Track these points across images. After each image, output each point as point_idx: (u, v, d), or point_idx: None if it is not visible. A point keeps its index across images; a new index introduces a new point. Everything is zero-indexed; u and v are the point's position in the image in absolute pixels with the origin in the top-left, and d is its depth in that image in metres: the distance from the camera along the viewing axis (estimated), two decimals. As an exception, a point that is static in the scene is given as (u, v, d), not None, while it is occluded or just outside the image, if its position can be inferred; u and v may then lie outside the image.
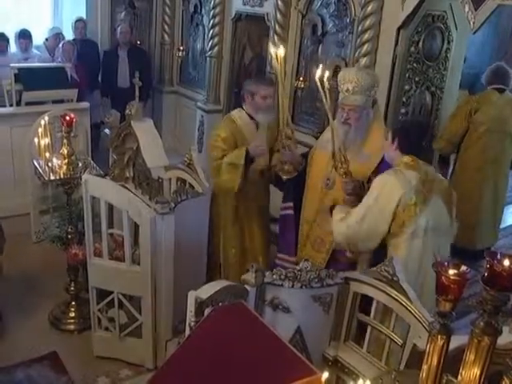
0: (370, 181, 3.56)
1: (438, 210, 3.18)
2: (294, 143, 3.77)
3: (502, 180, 5.68)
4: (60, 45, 7.02)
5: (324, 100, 3.34)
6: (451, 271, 1.55)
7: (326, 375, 1.75)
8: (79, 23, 7.49)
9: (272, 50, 3.66)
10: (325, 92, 3.34)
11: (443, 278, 1.54)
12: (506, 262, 1.49)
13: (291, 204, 3.97)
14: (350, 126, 3.57)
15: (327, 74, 3.36)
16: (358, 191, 3.53)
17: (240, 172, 3.91)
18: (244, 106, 4.18)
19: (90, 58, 7.42)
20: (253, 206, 4.33)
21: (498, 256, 1.51)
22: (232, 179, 3.94)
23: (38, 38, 7.48)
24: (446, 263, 1.57)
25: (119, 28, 7.56)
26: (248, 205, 4.30)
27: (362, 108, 3.54)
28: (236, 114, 4.23)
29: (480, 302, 1.53)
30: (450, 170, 5.71)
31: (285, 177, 3.81)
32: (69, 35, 7.60)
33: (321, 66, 3.49)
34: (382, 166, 3.52)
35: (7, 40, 6.88)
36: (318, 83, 3.33)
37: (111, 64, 7.48)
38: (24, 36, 7.02)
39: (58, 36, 7.36)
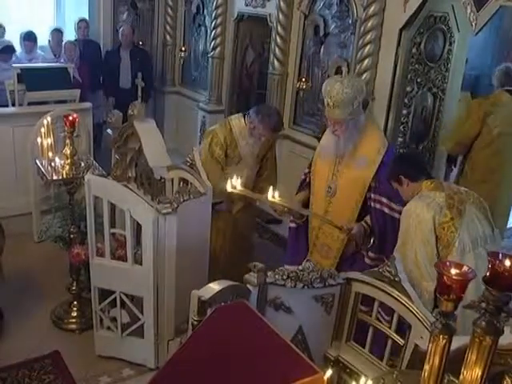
0: (370, 189, 3.58)
1: (477, 219, 3.08)
2: (285, 210, 3.79)
3: None
4: (63, 44, 7.03)
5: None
6: (453, 271, 1.55)
7: (328, 374, 1.76)
8: (82, 23, 7.52)
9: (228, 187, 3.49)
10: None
11: (445, 277, 1.55)
12: (508, 263, 1.50)
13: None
14: (338, 137, 3.56)
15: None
16: (364, 234, 3.62)
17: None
18: (247, 119, 4.28)
19: (93, 58, 7.43)
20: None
21: (500, 256, 1.52)
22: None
23: (41, 38, 7.47)
24: (448, 263, 1.58)
25: (121, 29, 7.59)
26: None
27: (347, 120, 3.48)
28: (235, 120, 4.36)
29: (482, 302, 1.54)
30: (457, 171, 5.66)
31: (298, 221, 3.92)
32: (71, 36, 7.62)
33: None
34: (383, 170, 3.52)
35: (13, 50, 6.86)
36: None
37: (113, 65, 7.49)
38: (29, 38, 7.02)
39: (58, 33, 7.35)
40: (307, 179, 3.94)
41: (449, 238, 3.00)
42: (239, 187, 3.32)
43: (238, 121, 4.36)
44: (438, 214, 3.00)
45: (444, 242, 3.02)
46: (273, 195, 3.31)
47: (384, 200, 3.54)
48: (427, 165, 3.32)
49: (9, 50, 6.72)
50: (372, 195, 3.58)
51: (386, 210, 3.54)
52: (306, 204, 3.88)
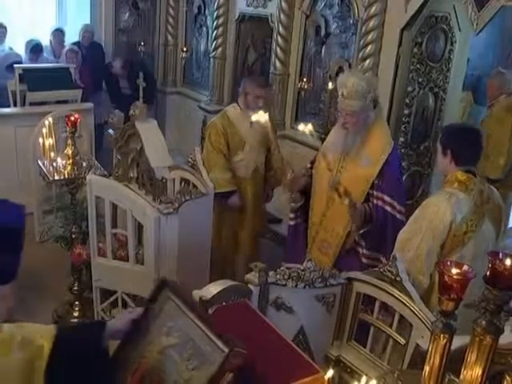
0: (373, 187, 3.58)
1: (488, 236, 3.00)
2: (287, 175, 3.79)
3: None
4: (64, 51, 7.02)
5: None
6: (454, 270, 1.56)
7: (330, 373, 1.76)
8: (86, 33, 7.45)
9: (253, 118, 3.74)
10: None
11: (446, 277, 1.55)
12: (508, 262, 1.51)
13: (298, 214, 4.00)
14: (348, 130, 3.58)
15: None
16: (363, 216, 3.56)
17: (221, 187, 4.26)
18: (239, 100, 4.42)
19: (95, 59, 7.43)
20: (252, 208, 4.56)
21: (500, 256, 1.53)
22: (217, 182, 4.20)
23: (42, 39, 7.48)
24: (448, 262, 1.58)
25: (114, 64, 7.37)
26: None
27: (359, 113, 3.51)
28: (230, 109, 4.52)
29: (482, 301, 1.54)
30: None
31: (293, 204, 3.94)
32: (73, 38, 7.62)
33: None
34: (387, 169, 3.53)
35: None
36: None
37: (114, 75, 7.44)
38: (35, 51, 7.01)
39: (59, 33, 7.35)
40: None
41: (454, 247, 2.94)
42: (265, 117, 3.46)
43: (232, 108, 4.53)
44: (455, 222, 2.90)
45: (447, 249, 2.96)
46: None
47: (387, 198, 3.54)
48: (480, 155, 3.07)
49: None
50: (375, 193, 3.58)
51: (388, 209, 3.54)
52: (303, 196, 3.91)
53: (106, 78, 7.59)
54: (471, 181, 2.95)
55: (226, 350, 1.75)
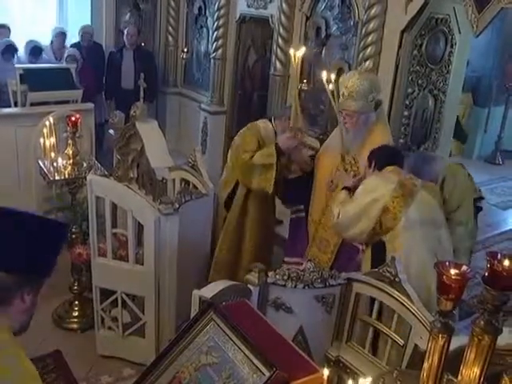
0: None
1: (428, 203, 3.23)
2: (303, 143, 3.84)
3: None
4: (65, 54, 7.02)
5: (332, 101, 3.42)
6: (452, 271, 1.57)
7: (326, 372, 1.77)
8: (86, 35, 7.44)
9: (291, 51, 3.68)
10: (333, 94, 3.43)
11: (444, 277, 1.56)
12: (506, 262, 1.52)
13: (301, 207, 4.01)
14: (348, 130, 3.61)
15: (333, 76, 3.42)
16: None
17: (273, 171, 3.83)
18: (273, 122, 4.13)
19: (96, 60, 7.43)
20: (254, 219, 4.35)
21: (499, 256, 1.54)
22: (267, 179, 3.88)
23: (43, 40, 7.48)
24: (447, 263, 1.59)
25: (126, 30, 7.55)
26: (250, 218, 4.32)
27: (359, 113, 3.54)
28: (261, 124, 4.17)
29: (481, 302, 1.55)
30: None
31: (289, 176, 3.93)
32: (74, 38, 7.62)
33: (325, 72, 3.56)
34: None
35: (15, 50, 6.87)
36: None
37: (116, 65, 7.48)
38: (34, 53, 7.01)
39: (62, 36, 7.36)
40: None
41: (397, 211, 3.14)
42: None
43: (264, 122, 4.18)
44: (390, 189, 3.17)
45: (391, 214, 3.16)
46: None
47: None
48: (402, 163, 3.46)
49: (11, 49, 6.73)
50: None
51: None
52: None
53: (107, 70, 7.59)
54: (397, 169, 3.32)
55: (268, 373, 1.80)
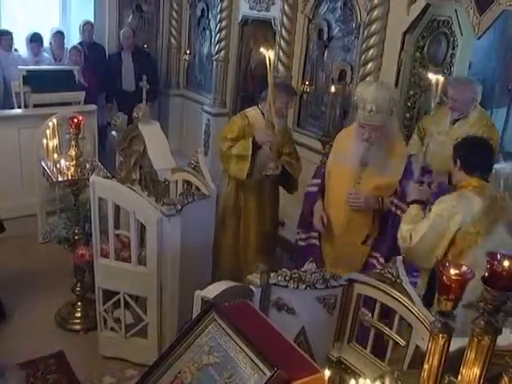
0: (396, 194, 3.56)
1: (502, 243, 2.94)
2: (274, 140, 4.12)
3: None
4: (65, 47, 7.05)
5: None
6: (452, 271, 1.57)
7: (327, 373, 1.78)
8: (87, 26, 7.50)
9: (264, 52, 3.76)
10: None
11: (444, 277, 1.57)
12: (506, 263, 1.52)
13: (315, 234, 3.89)
14: (371, 143, 3.51)
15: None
16: (372, 206, 3.56)
17: (247, 162, 4.26)
18: (260, 105, 4.40)
19: (98, 61, 7.45)
20: (255, 208, 4.54)
21: (498, 257, 1.54)
22: (240, 169, 4.30)
23: (46, 41, 7.49)
24: (447, 263, 1.60)
25: (122, 32, 7.59)
26: (251, 205, 4.52)
27: (383, 126, 3.47)
28: (250, 111, 4.49)
29: (480, 302, 1.56)
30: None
31: (267, 173, 4.19)
32: (76, 39, 7.65)
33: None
34: (405, 176, 3.52)
35: (11, 37, 6.90)
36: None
37: (115, 67, 7.50)
38: (35, 40, 7.05)
39: (59, 35, 7.37)
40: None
41: (464, 249, 2.96)
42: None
43: (253, 111, 4.49)
44: (465, 221, 2.95)
45: (457, 250, 2.98)
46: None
47: (405, 207, 3.44)
48: (491, 164, 3.20)
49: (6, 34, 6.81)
50: (395, 200, 3.57)
51: None
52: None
53: (107, 71, 7.58)
54: (485, 186, 3.03)
55: (269, 373, 1.81)
